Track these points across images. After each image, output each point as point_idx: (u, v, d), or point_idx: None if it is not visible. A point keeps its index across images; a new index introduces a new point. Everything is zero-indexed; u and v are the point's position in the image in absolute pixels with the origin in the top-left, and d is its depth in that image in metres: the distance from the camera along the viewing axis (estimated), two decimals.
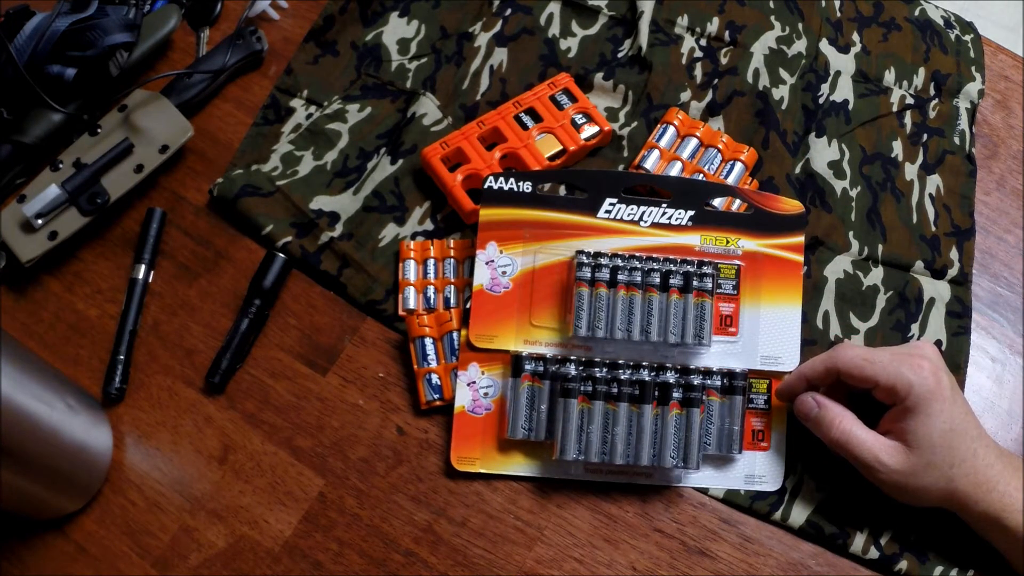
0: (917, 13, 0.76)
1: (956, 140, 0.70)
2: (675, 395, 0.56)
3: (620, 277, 0.57)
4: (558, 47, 0.71)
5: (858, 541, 0.56)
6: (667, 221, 0.60)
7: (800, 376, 0.56)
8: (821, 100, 0.70)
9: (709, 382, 0.57)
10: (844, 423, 0.53)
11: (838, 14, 0.74)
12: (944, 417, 0.51)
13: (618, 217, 0.60)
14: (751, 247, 0.61)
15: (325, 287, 0.62)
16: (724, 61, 0.71)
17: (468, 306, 0.59)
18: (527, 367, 0.56)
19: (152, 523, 0.55)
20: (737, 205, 0.63)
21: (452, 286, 0.61)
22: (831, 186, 0.66)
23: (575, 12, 0.72)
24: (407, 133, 0.65)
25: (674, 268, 0.58)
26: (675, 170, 0.65)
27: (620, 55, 0.71)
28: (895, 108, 0.71)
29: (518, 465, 0.57)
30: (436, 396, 0.58)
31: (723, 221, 0.61)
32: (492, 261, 0.59)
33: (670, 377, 0.56)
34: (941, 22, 0.75)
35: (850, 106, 0.70)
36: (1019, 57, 0.75)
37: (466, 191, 0.62)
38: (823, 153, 0.67)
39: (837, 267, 0.64)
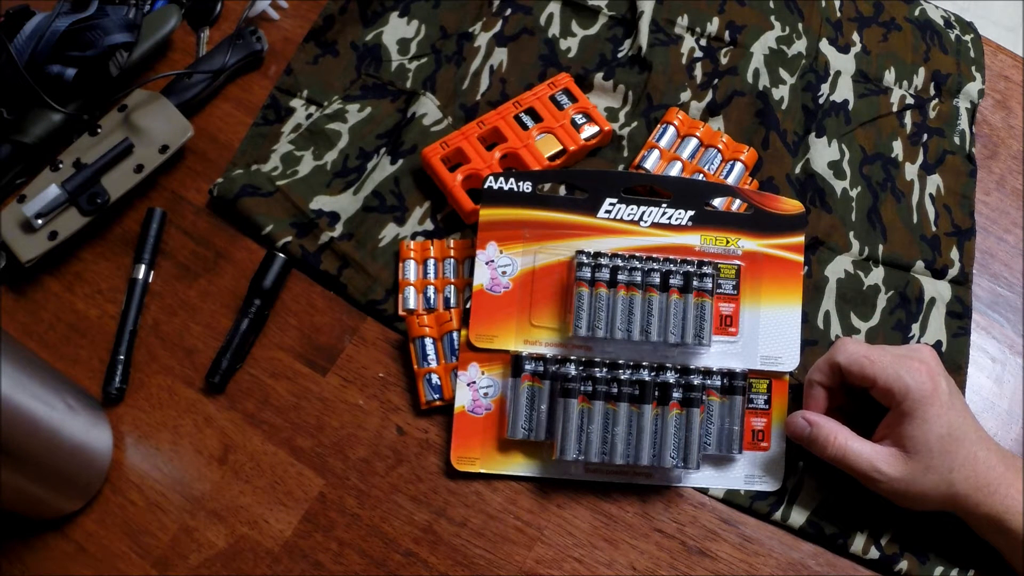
0: (917, 13, 0.76)
1: (956, 140, 0.70)
2: (675, 395, 0.56)
3: (620, 277, 0.57)
4: (558, 47, 0.71)
5: (858, 541, 0.56)
6: (667, 221, 0.60)
7: (809, 382, 0.56)
8: (821, 100, 0.70)
9: (709, 382, 0.57)
10: (839, 439, 0.53)
11: (838, 14, 0.74)
12: (941, 421, 0.51)
13: (618, 217, 0.60)
14: (751, 247, 0.61)
15: (325, 287, 0.62)
16: (724, 61, 0.71)
17: (468, 306, 0.59)
18: (527, 367, 0.56)
19: (152, 523, 0.55)
20: (737, 205, 0.63)
21: (452, 286, 0.61)
22: (831, 186, 0.66)
23: (575, 12, 0.72)
24: (407, 133, 0.65)
25: (674, 268, 0.58)
26: (675, 170, 0.65)
27: (620, 55, 0.71)
28: (895, 108, 0.71)
29: (518, 465, 0.57)
30: (436, 396, 0.58)
31: (723, 221, 0.61)
32: (492, 261, 0.59)
33: (670, 377, 0.56)
34: (941, 22, 0.75)
35: (850, 106, 0.70)
36: (1019, 57, 0.75)
37: (466, 191, 0.62)
38: (823, 153, 0.67)
39: (838, 267, 0.64)
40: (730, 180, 0.65)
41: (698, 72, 0.70)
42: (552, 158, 0.64)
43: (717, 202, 0.62)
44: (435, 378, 0.58)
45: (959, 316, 0.63)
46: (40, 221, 0.59)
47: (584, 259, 0.57)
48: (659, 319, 0.57)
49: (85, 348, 0.60)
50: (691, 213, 0.60)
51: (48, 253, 0.60)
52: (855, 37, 0.74)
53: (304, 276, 0.62)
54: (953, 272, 0.65)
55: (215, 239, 0.63)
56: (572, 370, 0.56)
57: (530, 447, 0.57)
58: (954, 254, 0.65)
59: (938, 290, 0.64)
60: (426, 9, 0.72)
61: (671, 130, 0.66)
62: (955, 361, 0.62)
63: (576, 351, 0.58)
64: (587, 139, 0.65)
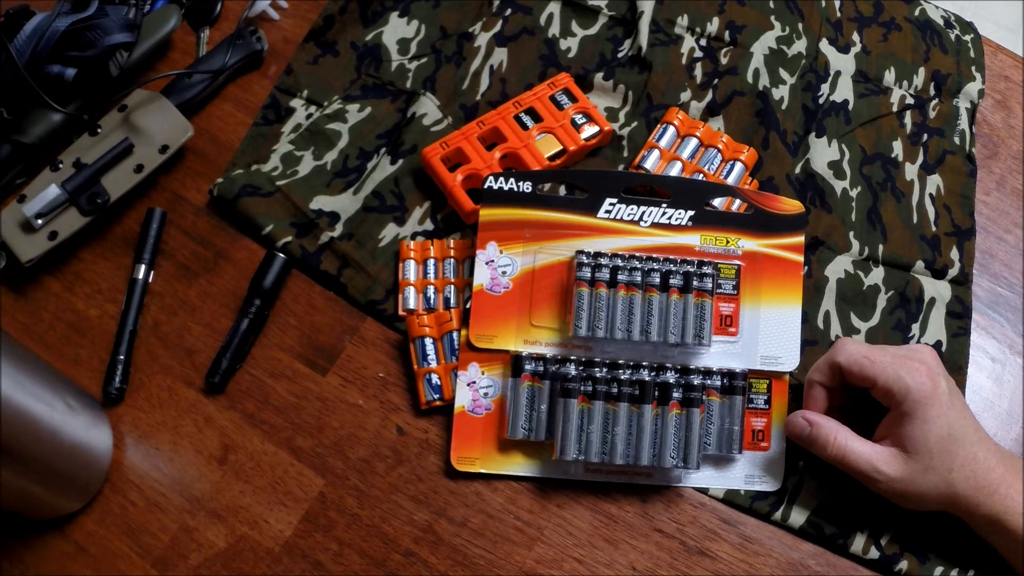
0: (917, 13, 0.76)
1: (956, 140, 0.70)
2: (675, 395, 0.56)
3: (620, 277, 0.57)
4: (558, 47, 0.71)
5: (858, 541, 0.56)
6: (667, 221, 0.60)
7: (809, 383, 0.56)
8: (821, 100, 0.70)
9: (709, 382, 0.57)
10: (839, 439, 0.53)
11: (838, 14, 0.74)
12: (941, 422, 0.51)
13: (618, 217, 0.60)
14: (751, 247, 0.61)
15: (325, 287, 0.62)
16: (724, 61, 0.71)
17: (468, 306, 0.59)
18: (527, 367, 0.56)
19: (152, 523, 0.55)
20: (737, 205, 0.63)
21: (452, 286, 0.61)
22: (831, 186, 0.66)
23: (575, 12, 0.72)
24: (407, 133, 0.65)
25: (674, 268, 0.58)
26: (675, 170, 0.65)
27: (620, 55, 0.71)
28: (895, 108, 0.71)
29: (518, 465, 0.57)
30: (436, 396, 0.58)
31: (723, 221, 0.61)
32: (492, 261, 0.59)
33: (670, 377, 0.56)
34: (941, 22, 0.75)
35: (850, 106, 0.70)
36: (1019, 57, 0.75)
37: (466, 191, 0.62)
38: (823, 153, 0.67)
39: (838, 267, 0.64)
40: (730, 180, 0.65)
41: (698, 72, 0.70)
42: (552, 158, 0.64)
43: (717, 202, 0.62)
44: (435, 378, 0.58)
45: (959, 316, 0.63)
46: (40, 221, 0.59)
47: (584, 259, 0.57)
48: (659, 319, 0.57)
49: (85, 348, 0.60)
50: (691, 213, 0.60)
51: (48, 253, 0.60)
52: (855, 37, 0.74)
53: (304, 276, 0.62)
54: (953, 272, 0.65)
55: (215, 239, 0.63)
56: (572, 370, 0.56)
57: (530, 447, 0.57)
58: (954, 254, 0.65)
59: (938, 290, 0.64)
60: (426, 9, 0.72)
61: (671, 130, 0.66)
62: (955, 361, 0.62)
63: (576, 351, 0.58)
64: (587, 139, 0.65)
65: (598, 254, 0.58)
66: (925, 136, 0.70)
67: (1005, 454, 0.53)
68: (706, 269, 0.58)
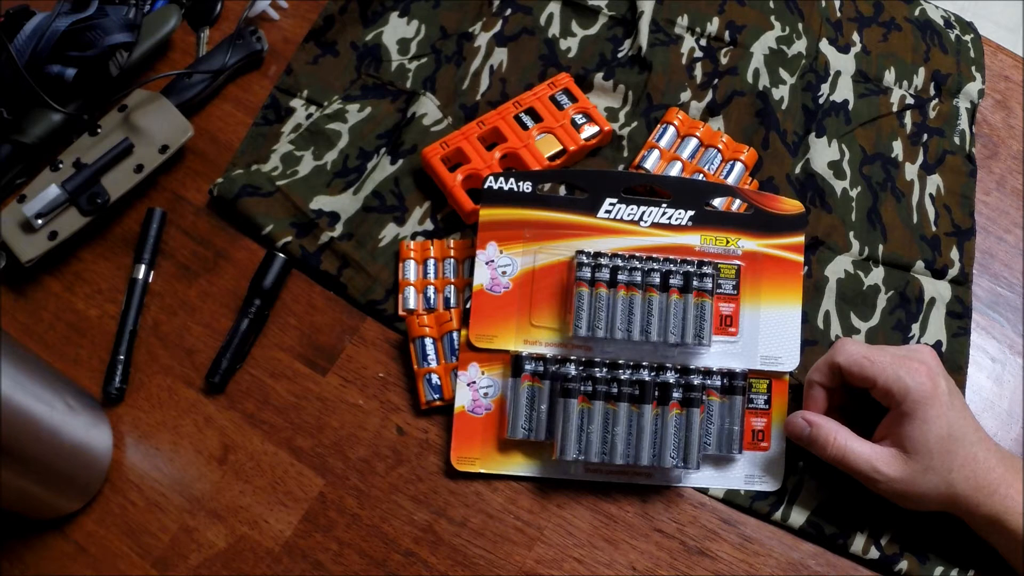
0: (917, 13, 0.76)
1: (956, 140, 0.70)
2: (675, 395, 0.56)
3: (620, 277, 0.57)
4: (558, 47, 0.71)
5: (858, 541, 0.56)
6: (667, 221, 0.60)
7: (809, 383, 0.56)
8: (821, 100, 0.70)
9: (709, 382, 0.57)
10: (839, 439, 0.53)
11: (838, 14, 0.74)
12: (941, 422, 0.51)
13: (618, 217, 0.60)
14: (751, 247, 0.61)
15: (325, 287, 0.62)
16: (724, 61, 0.71)
17: (468, 306, 0.59)
18: (527, 367, 0.56)
19: (152, 523, 0.55)
20: (737, 205, 0.63)
21: (452, 286, 0.61)
22: (831, 186, 0.66)
23: (575, 12, 0.72)
24: (407, 133, 0.65)
25: (674, 268, 0.58)
26: (675, 170, 0.65)
27: (620, 55, 0.71)
28: (895, 108, 0.71)
29: (518, 465, 0.57)
30: (436, 396, 0.58)
31: (723, 221, 0.61)
32: (492, 261, 0.59)
33: (670, 377, 0.56)
34: (941, 22, 0.75)
35: (850, 106, 0.70)
36: (1019, 57, 0.75)
37: (466, 191, 0.62)
38: (823, 153, 0.67)
39: (838, 267, 0.64)
40: (730, 180, 0.65)
41: (698, 72, 0.70)
42: (552, 158, 0.64)
43: (717, 202, 0.62)
44: (435, 378, 0.58)
45: (959, 316, 0.63)
46: (40, 221, 0.59)
47: (584, 259, 0.57)
48: (659, 319, 0.57)
49: (85, 348, 0.60)
50: (691, 213, 0.60)
51: (48, 253, 0.60)
52: (855, 37, 0.74)
53: (304, 276, 0.62)
54: (953, 272, 0.65)
55: (215, 239, 0.63)
56: (572, 370, 0.56)
57: (530, 447, 0.57)
58: (954, 254, 0.65)
59: (938, 290, 0.64)
60: (426, 9, 0.72)
61: (671, 130, 0.66)
62: (955, 361, 0.62)
63: (576, 351, 0.58)
64: (587, 139, 0.65)
65: (598, 254, 0.58)
66: (925, 136, 0.70)
67: (1005, 454, 0.53)
68: (706, 269, 0.58)
